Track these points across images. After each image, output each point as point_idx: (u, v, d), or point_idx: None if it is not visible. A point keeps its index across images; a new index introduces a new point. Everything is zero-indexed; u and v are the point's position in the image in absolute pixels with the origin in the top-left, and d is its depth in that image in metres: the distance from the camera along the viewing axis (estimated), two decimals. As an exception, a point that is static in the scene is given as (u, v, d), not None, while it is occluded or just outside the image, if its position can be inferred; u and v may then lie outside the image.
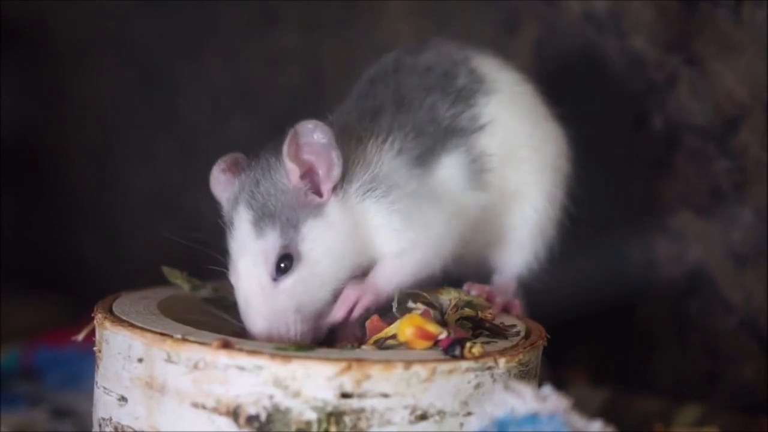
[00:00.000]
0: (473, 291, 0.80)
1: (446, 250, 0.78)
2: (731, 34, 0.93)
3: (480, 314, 0.76)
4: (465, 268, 0.84)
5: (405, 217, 0.76)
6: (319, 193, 0.75)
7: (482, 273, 0.86)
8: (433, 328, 0.71)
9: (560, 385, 0.71)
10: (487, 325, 0.75)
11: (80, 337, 0.77)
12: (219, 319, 0.81)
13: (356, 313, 0.75)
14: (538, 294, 0.87)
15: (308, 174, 0.75)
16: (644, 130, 1.00)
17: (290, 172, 0.75)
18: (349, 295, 0.75)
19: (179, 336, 0.68)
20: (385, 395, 0.66)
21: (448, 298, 0.79)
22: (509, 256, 0.86)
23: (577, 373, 1.03)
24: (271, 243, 0.74)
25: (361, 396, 0.65)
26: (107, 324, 0.71)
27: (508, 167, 0.83)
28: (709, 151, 0.96)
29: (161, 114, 1.33)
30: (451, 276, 0.82)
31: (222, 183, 0.80)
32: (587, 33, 1.01)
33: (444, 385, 0.67)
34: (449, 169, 0.80)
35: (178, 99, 1.33)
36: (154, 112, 1.34)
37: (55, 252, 1.43)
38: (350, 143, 0.77)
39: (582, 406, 0.64)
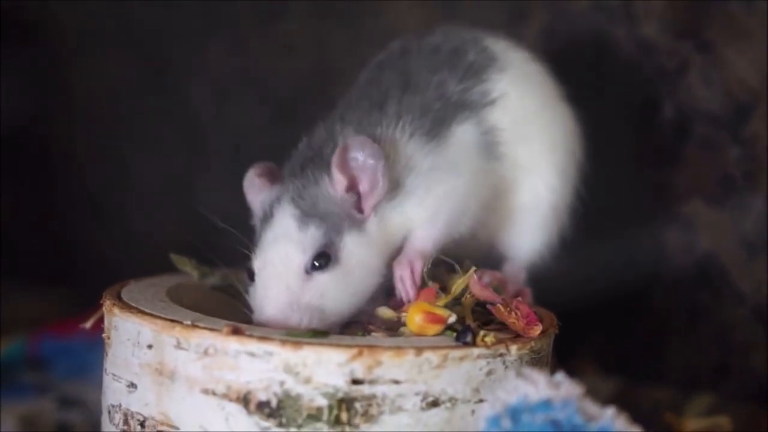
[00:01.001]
0: (485, 278, 0.80)
1: (470, 209, 0.79)
2: (743, 20, 0.93)
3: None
4: (474, 256, 0.83)
5: (425, 197, 0.77)
6: (360, 210, 0.76)
7: (490, 262, 0.86)
8: (441, 311, 0.71)
9: (569, 375, 0.71)
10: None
11: (88, 324, 0.77)
12: (228, 306, 0.80)
13: (418, 279, 0.76)
14: (547, 283, 0.86)
15: (353, 188, 0.76)
16: (655, 117, 0.99)
17: (337, 183, 0.75)
18: (404, 271, 0.76)
19: (189, 322, 0.67)
20: (397, 381, 0.65)
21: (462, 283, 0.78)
22: (521, 242, 0.86)
23: (585, 363, 1.02)
24: (312, 237, 0.74)
25: (372, 382, 0.65)
26: (116, 310, 0.71)
27: (520, 144, 0.83)
28: (721, 139, 0.96)
29: (168, 104, 1.33)
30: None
31: (256, 186, 0.80)
32: (597, 20, 1.01)
33: (455, 371, 0.67)
34: (461, 137, 0.80)
35: (185, 89, 1.32)
36: (161, 102, 1.34)
37: (61, 243, 1.43)
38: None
39: (592, 396, 0.64)
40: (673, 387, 0.98)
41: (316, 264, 0.73)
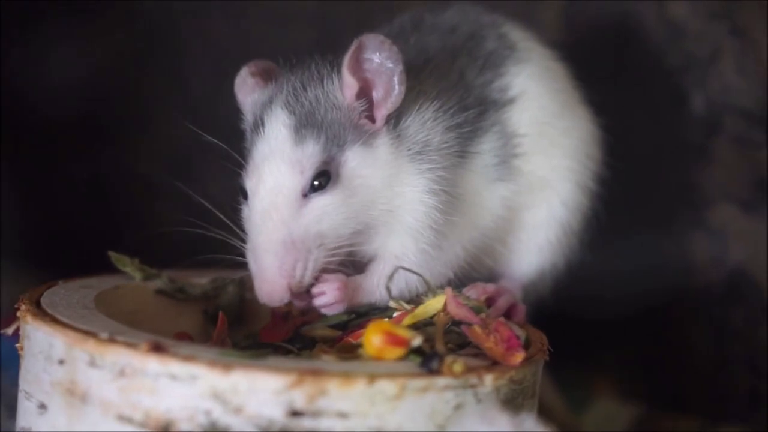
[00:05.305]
0: (471, 293, 0.73)
1: (453, 267, 0.73)
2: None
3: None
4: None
5: (432, 222, 0.71)
6: (372, 119, 0.69)
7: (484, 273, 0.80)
8: (403, 332, 0.62)
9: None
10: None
11: (10, 331, 0.69)
12: (174, 314, 0.75)
13: (337, 310, 0.70)
14: (561, 296, 0.82)
15: (364, 94, 0.69)
16: (682, 110, 0.94)
17: (347, 87, 0.70)
18: (336, 287, 0.69)
19: (106, 335, 0.60)
20: (344, 415, 0.58)
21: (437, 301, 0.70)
22: (523, 259, 0.80)
23: (601, 385, 0.98)
24: (310, 153, 0.68)
25: (315, 415, 0.57)
26: (29, 318, 0.65)
27: (537, 152, 0.77)
28: (755, 136, 0.90)
29: (166, 76, 1.29)
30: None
31: (248, 86, 0.75)
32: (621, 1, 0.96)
33: (416, 404, 0.59)
34: (484, 156, 0.74)
35: (184, 61, 1.29)
36: (159, 74, 1.30)
37: (53, 227, 1.38)
38: (410, 86, 0.70)
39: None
40: (699, 416, 0.94)
41: (315, 184, 0.67)
